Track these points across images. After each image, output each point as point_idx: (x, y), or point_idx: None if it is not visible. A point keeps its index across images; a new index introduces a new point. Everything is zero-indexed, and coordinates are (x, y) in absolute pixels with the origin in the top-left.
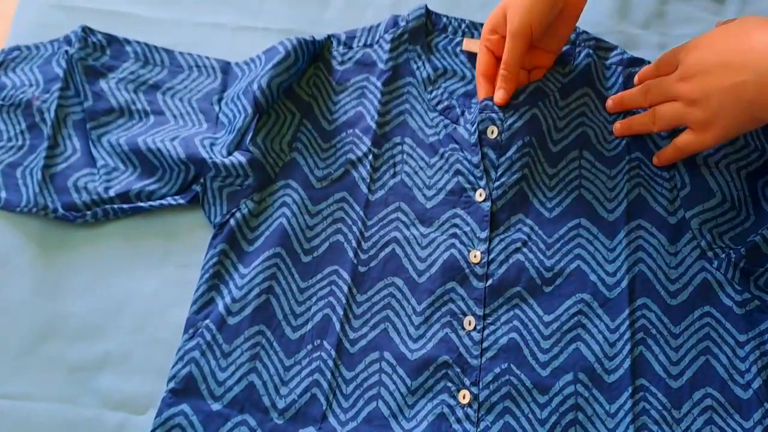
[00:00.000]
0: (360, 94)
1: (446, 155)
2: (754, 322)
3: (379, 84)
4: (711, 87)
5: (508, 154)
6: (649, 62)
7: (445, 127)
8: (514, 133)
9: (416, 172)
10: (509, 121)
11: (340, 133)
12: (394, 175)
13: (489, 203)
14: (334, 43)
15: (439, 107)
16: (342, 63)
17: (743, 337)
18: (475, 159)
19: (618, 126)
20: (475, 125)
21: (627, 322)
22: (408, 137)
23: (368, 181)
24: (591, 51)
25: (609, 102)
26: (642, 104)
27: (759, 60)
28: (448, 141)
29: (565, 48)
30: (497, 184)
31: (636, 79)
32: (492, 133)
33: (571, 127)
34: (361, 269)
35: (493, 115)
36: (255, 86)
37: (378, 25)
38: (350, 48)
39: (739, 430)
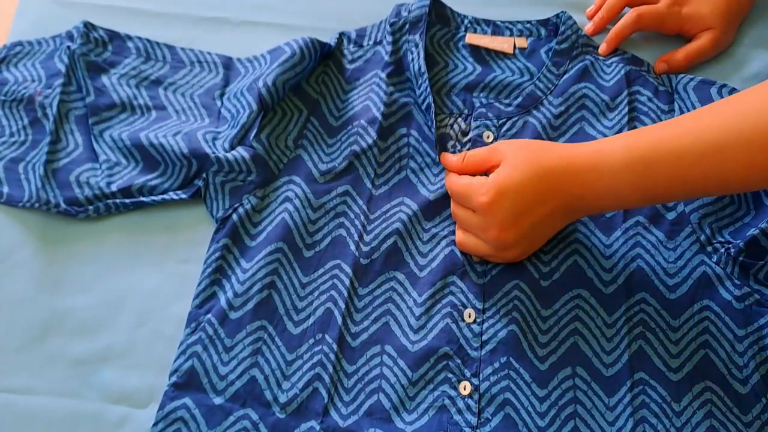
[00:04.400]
0: (369, 89)
1: (452, 150)
2: (753, 317)
3: (383, 76)
4: None
5: None
6: (649, 63)
7: (445, 127)
8: (510, 138)
9: (422, 169)
10: (504, 128)
11: (347, 127)
12: (399, 171)
13: None
14: (345, 41)
15: (424, 106)
16: (352, 61)
17: (742, 332)
18: None
19: (658, 64)
20: (470, 132)
21: (624, 318)
22: (414, 130)
23: (372, 176)
24: (591, 58)
25: (603, 46)
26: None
27: None
28: (447, 138)
29: (562, 47)
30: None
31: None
32: (488, 138)
33: (568, 124)
34: (363, 261)
35: (488, 122)
36: (260, 83)
37: (385, 20)
38: (361, 46)
39: (738, 423)
